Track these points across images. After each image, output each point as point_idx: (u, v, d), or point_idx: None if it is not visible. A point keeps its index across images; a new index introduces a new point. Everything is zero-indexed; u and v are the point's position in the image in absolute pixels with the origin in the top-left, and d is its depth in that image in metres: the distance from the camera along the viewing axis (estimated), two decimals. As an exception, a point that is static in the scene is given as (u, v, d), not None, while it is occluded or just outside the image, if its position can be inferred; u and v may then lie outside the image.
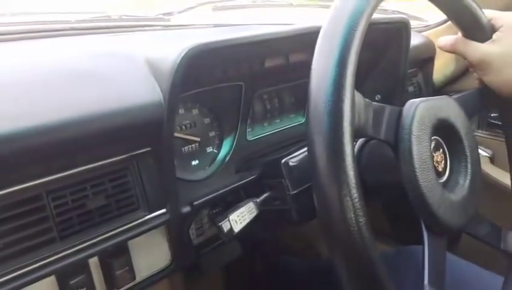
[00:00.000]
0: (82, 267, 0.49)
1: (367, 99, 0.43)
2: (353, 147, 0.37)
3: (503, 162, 0.94)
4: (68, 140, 0.44)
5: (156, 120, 0.49)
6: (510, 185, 0.63)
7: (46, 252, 0.45)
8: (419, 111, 0.46)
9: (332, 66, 0.37)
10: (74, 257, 0.46)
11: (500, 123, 0.94)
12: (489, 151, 1.00)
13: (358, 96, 0.41)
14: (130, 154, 0.50)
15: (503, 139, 0.93)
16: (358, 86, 0.95)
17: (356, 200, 0.36)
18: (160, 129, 0.50)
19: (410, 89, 0.99)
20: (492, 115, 0.98)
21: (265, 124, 0.79)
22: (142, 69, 0.52)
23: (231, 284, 1.13)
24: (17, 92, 0.44)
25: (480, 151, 1.01)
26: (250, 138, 0.75)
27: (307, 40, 0.66)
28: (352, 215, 0.35)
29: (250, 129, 0.76)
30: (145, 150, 0.51)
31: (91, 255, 0.48)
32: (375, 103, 0.45)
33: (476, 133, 1.02)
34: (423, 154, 0.45)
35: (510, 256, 0.55)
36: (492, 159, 1.00)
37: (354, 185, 0.36)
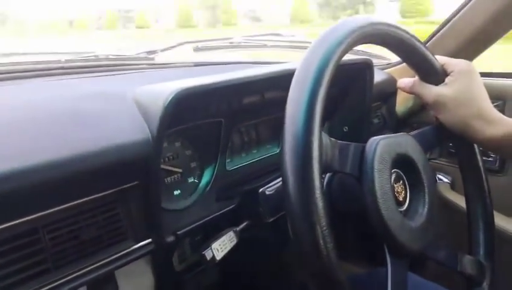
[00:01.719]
0: (72, 296, 0.52)
1: (333, 139, 0.49)
2: (321, 181, 0.42)
3: (462, 188, 1.01)
4: (62, 178, 0.47)
5: (144, 156, 0.53)
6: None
7: (40, 282, 0.47)
8: (380, 147, 0.52)
9: (301, 113, 0.43)
10: (66, 286, 0.49)
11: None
12: (450, 178, 1.08)
13: (325, 137, 0.47)
14: (120, 188, 0.54)
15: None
16: (327, 118, 1.02)
17: (324, 228, 0.41)
18: (148, 164, 0.54)
19: (375, 120, 1.06)
20: (451, 144, 1.05)
21: (243, 155, 0.84)
22: (131, 109, 0.56)
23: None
24: (9, 133, 0.48)
25: (441, 177, 1.09)
26: (229, 167, 0.79)
27: (280, 80, 0.72)
28: (322, 242, 0.41)
29: (229, 160, 0.80)
30: (133, 183, 0.55)
31: (82, 284, 0.51)
32: (340, 141, 0.50)
33: (437, 161, 1.09)
34: (384, 186, 0.50)
35: (466, 277, 0.61)
36: (452, 185, 1.07)
37: (322, 215, 0.41)
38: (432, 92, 0.62)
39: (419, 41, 0.59)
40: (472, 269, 0.60)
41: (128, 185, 0.55)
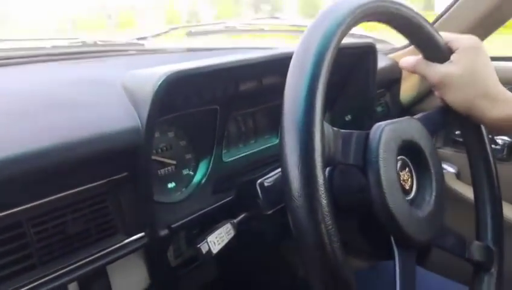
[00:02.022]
0: (61, 292, 0.49)
1: (335, 128, 0.46)
2: (325, 176, 0.39)
3: (468, 178, 0.98)
4: (47, 168, 0.45)
5: (134, 145, 0.50)
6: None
7: (26, 279, 0.45)
8: (385, 134, 0.49)
9: (301, 102, 0.40)
10: (54, 282, 0.46)
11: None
12: (455, 167, 1.05)
13: (327, 127, 0.44)
14: (108, 179, 0.51)
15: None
16: (329, 107, 1.00)
17: (330, 226, 0.38)
18: (138, 154, 0.51)
19: (379, 108, 1.03)
20: (457, 132, 1.03)
21: (240, 146, 0.81)
22: (119, 95, 0.53)
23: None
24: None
25: (446, 167, 1.06)
26: (226, 159, 0.76)
27: (278, 64, 0.69)
28: (327, 240, 0.38)
29: (225, 151, 0.77)
30: (123, 175, 0.52)
31: (71, 281, 0.48)
32: (342, 130, 0.47)
33: (442, 150, 1.06)
34: (390, 175, 0.48)
35: (474, 264, 0.59)
36: (458, 175, 1.05)
37: (327, 212, 0.38)
38: (436, 70, 0.59)
39: (423, 18, 0.56)
40: (480, 255, 0.58)
41: (118, 176, 0.52)
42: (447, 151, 1.06)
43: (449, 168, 1.05)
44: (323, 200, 0.38)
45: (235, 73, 0.63)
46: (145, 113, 0.50)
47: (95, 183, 0.50)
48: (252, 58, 0.61)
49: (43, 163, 0.44)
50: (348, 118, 0.93)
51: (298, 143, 0.39)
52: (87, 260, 0.49)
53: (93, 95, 0.53)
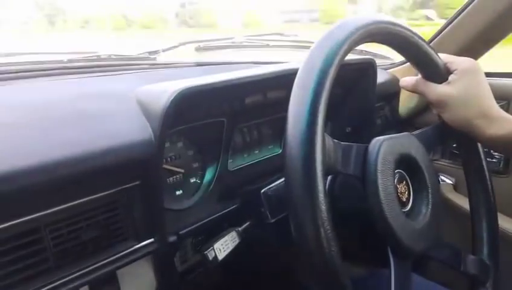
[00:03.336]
0: (74, 296, 0.52)
1: (336, 140, 0.49)
2: (325, 184, 0.42)
3: (465, 189, 1.00)
4: (63, 178, 0.47)
5: (146, 156, 0.53)
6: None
7: (42, 281, 0.47)
8: (383, 148, 0.52)
9: (304, 115, 0.43)
10: (67, 285, 0.49)
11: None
12: (453, 179, 1.07)
13: (328, 139, 0.47)
14: (121, 187, 0.54)
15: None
16: (329, 119, 1.02)
17: (329, 231, 0.41)
18: (150, 164, 0.54)
19: (378, 121, 1.06)
20: (454, 145, 1.05)
21: (245, 155, 0.84)
22: (133, 109, 0.56)
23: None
24: (12, 133, 0.48)
25: (444, 179, 1.09)
26: (231, 168, 0.79)
27: (282, 80, 0.72)
28: (326, 245, 0.41)
29: (231, 160, 0.80)
30: (135, 183, 0.55)
31: (83, 284, 0.51)
32: (343, 142, 0.50)
33: (440, 162, 1.09)
34: (388, 187, 0.50)
35: (470, 277, 0.61)
36: (455, 187, 1.07)
37: (326, 218, 0.41)
38: (435, 90, 0.62)
39: (422, 39, 0.59)
40: (476, 268, 0.60)
41: (130, 185, 0.54)
42: (444, 163, 1.08)
43: (447, 180, 1.07)
44: (323, 206, 0.41)
45: (241, 88, 0.66)
46: (157, 126, 0.53)
47: (109, 192, 0.53)
48: (258, 75, 0.64)
49: (59, 173, 0.47)
50: (348, 129, 0.96)
51: (301, 153, 0.42)
52: (99, 264, 0.52)
53: (107, 108, 0.56)
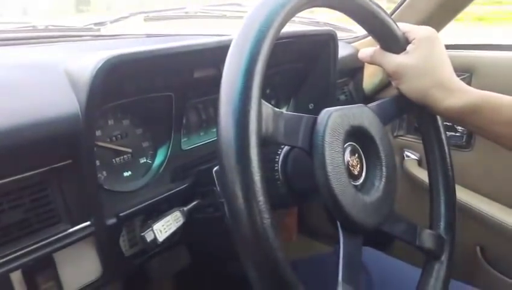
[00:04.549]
0: (4, 282, 0.48)
1: (277, 109, 0.45)
2: (259, 153, 0.39)
3: (430, 164, 1.00)
4: None
5: (75, 132, 0.49)
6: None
7: None
8: (332, 119, 0.49)
9: (239, 77, 0.39)
10: None
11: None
12: (417, 155, 1.06)
13: (266, 106, 0.43)
14: (49, 167, 0.49)
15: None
16: (292, 95, 0.99)
17: (261, 203, 0.37)
18: (79, 141, 0.50)
19: (342, 97, 1.03)
20: (419, 120, 1.04)
21: (201, 134, 0.80)
22: (61, 80, 0.51)
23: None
24: None
25: (408, 154, 1.08)
26: (185, 147, 0.75)
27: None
28: (258, 218, 0.37)
29: (185, 139, 0.76)
30: (65, 162, 0.50)
31: (12, 270, 0.47)
32: (288, 112, 0.47)
33: (404, 138, 1.08)
34: (335, 159, 0.48)
35: (425, 252, 0.59)
36: (420, 162, 1.06)
37: (259, 188, 0.37)
38: (392, 61, 0.60)
39: (379, 7, 0.56)
40: (431, 243, 0.59)
41: (60, 164, 0.50)
42: (409, 138, 1.07)
43: (412, 155, 1.07)
44: (256, 177, 0.37)
45: (186, 59, 0.62)
46: (83, 99, 0.48)
47: (34, 172, 0.48)
48: (201, 44, 0.60)
49: None
50: (311, 106, 0.93)
51: (234, 120, 0.38)
52: (29, 249, 0.48)
53: (31, 80, 0.51)
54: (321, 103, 0.91)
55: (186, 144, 0.76)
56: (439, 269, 0.60)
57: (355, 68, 1.02)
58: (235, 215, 0.38)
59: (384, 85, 1.05)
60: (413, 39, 0.59)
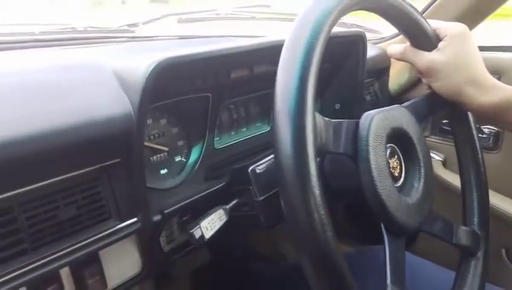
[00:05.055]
0: (53, 277, 0.49)
1: (326, 118, 0.46)
2: (317, 166, 0.40)
3: (454, 165, 1.00)
4: (37, 153, 0.44)
5: (126, 131, 0.50)
6: (460, 185, 0.68)
7: (16, 264, 0.45)
8: (374, 122, 0.49)
9: (292, 93, 0.40)
10: (45, 267, 0.46)
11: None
12: (442, 156, 1.07)
13: (319, 117, 0.44)
14: (100, 165, 0.51)
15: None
16: (319, 96, 1.00)
17: (323, 215, 0.39)
18: (130, 140, 0.51)
19: (368, 97, 1.04)
20: (444, 121, 1.04)
21: (232, 133, 0.82)
22: (110, 81, 0.53)
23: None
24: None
25: (433, 155, 1.08)
26: (218, 146, 0.77)
27: (269, 53, 0.69)
28: (320, 230, 0.39)
29: (218, 138, 0.78)
30: (115, 161, 0.52)
31: (62, 266, 0.48)
32: (333, 120, 0.48)
33: (429, 139, 1.08)
34: (380, 163, 0.48)
35: (461, 248, 0.60)
36: (444, 163, 1.06)
37: (320, 202, 0.39)
38: (424, 58, 0.60)
39: (410, 5, 0.57)
40: (467, 240, 0.60)
41: (110, 162, 0.52)
42: (434, 139, 1.07)
43: (436, 156, 1.07)
44: (316, 190, 0.39)
45: (226, 61, 0.63)
46: (136, 100, 0.50)
47: (87, 169, 0.50)
48: (242, 46, 0.61)
49: (33, 148, 0.44)
50: (337, 106, 0.94)
51: (291, 134, 0.39)
52: (79, 245, 0.50)
53: (83, 81, 0.52)
54: (348, 103, 0.92)
55: (219, 144, 0.77)
56: (476, 266, 0.60)
57: (381, 69, 1.03)
58: (297, 229, 0.39)
59: (411, 85, 1.05)
60: (445, 36, 0.59)
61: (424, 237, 0.59)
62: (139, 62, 0.51)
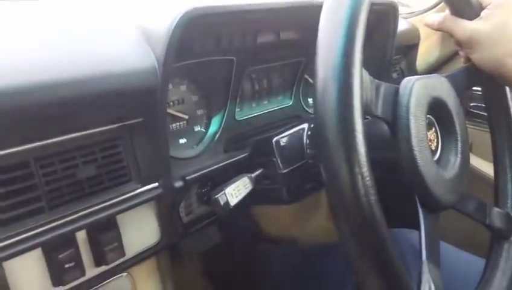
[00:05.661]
0: (70, 241, 0.47)
1: (371, 76, 0.42)
2: (363, 124, 0.36)
3: (481, 150, 0.97)
4: (57, 102, 0.41)
5: (149, 88, 0.47)
6: (488, 171, 0.64)
7: (33, 223, 0.42)
8: (416, 89, 0.46)
9: (340, 40, 0.36)
10: (62, 229, 0.44)
11: (478, 113, 0.97)
12: (469, 140, 1.03)
13: (365, 73, 0.40)
14: (122, 123, 0.48)
15: (481, 129, 0.95)
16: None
17: (367, 178, 0.35)
18: (154, 99, 0.48)
19: (394, 75, 1.00)
20: (471, 104, 1.00)
21: (253, 105, 0.79)
22: (134, 33, 0.49)
23: (210, 271, 1.12)
24: (4, 49, 0.42)
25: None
26: (238, 117, 0.74)
27: (300, 15, 0.65)
28: (363, 193, 0.35)
29: (239, 109, 0.74)
30: (137, 120, 0.49)
31: (80, 228, 0.46)
32: (376, 80, 0.44)
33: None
34: (420, 133, 0.45)
35: (494, 231, 0.57)
36: (470, 147, 1.03)
37: (365, 162, 0.35)
38: (465, 27, 0.57)
39: None
40: (501, 222, 0.57)
41: (132, 121, 0.49)
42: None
43: (462, 140, 1.03)
44: (362, 149, 0.35)
45: (254, 22, 0.60)
46: (161, 54, 0.46)
47: (108, 127, 0.47)
48: (274, 3, 0.57)
49: (53, 96, 0.41)
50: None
51: (336, 86, 0.35)
52: (98, 207, 0.47)
53: (105, 31, 0.49)
54: (375, 77, 0.88)
55: (240, 115, 0.74)
56: (509, 250, 0.57)
57: (409, 45, 0.98)
58: (338, 190, 0.36)
59: (440, 64, 1.01)
60: (488, 4, 0.56)
61: (448, 222, 0.55)
62: (165, 13, 0.47)
